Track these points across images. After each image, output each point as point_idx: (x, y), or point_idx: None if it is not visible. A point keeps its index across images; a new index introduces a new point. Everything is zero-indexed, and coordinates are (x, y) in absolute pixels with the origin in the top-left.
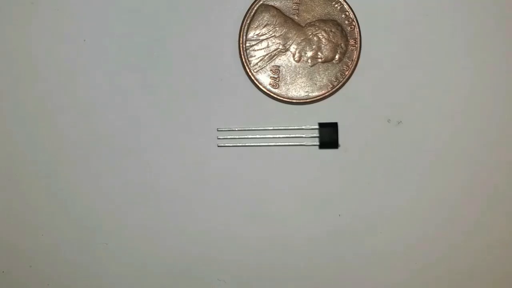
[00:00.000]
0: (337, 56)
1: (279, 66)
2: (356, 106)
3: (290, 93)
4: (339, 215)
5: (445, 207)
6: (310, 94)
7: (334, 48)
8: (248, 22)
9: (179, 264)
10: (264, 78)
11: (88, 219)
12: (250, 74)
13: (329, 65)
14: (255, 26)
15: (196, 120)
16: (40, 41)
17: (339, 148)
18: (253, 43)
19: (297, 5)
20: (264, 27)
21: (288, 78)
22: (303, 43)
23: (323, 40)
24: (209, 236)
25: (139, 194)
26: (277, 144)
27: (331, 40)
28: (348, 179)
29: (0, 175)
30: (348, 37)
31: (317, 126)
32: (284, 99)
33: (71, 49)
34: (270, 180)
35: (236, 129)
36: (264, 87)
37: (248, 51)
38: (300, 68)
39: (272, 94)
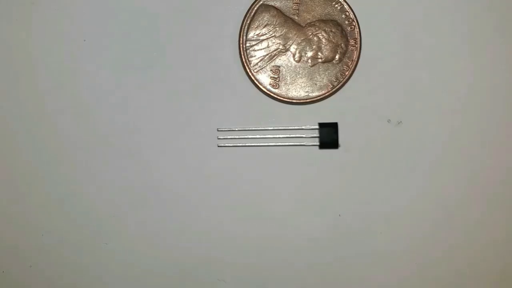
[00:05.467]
0: (337, 56)
1: (279, 66)
2: (356, 106)
3: (290, 93)
4: (339, 215)
5: (445, 207)
6: (310, 94)
7: (334, 48)
8: (248, 22)
9: (179, 264)
10: (264, 78)
11: (88, 219)
12: (250, 74)
13: (329, 65)
14: (255, 26)
15: (196, 120)
16: (40, 41)
17: (339, 148)
18: (253, 43)
19: (297, 5)
20: (264, 27)
21: (288, 78)
22: (303, 43)
23: (323, 40)
24: (209, 236)
25: (139, 194)
26: (277, 144)
27: (331, 40)
28: (348, 179)
29: (0, 175)
30: (348, 37)
31: (317, 126)
32: (284, 99)
33: (71, 49)
34: (270, 180)
35: (236, 129)
36: (264, 87)
37: (248, 51)
38: (300, 68)
39: (272, 94)
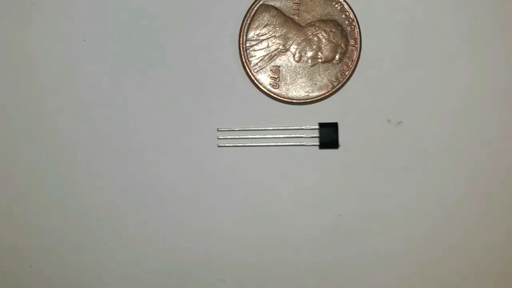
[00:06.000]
0: (337, 56)
1: (279, 66)
2: (356, 106)
3: (290, 93)
4: (339, 215)
5: (445, 207)
6: (310, 94)
7: (334, 48)
8: (248, 22)
9: (179, 264)
10: (264, 78)
11: (88, 219)
12: (250, 74)
13: (329, 65)
14: (255, 26)
15: (196, 120)
16: (40, 41)
17: (339, 148)
18: (253, 43)
19: (297, 5)
20: (264, 27)
21: (288, 78)
22: (303, 43)
23: (323, 40)
24: (209, 236)
25: (139, 194)
26: (277, 144)
27: (331, 40)
28: (348, 179)
29: (0, 175)
30: (348, 37)
31: (317, 126)
32: (284, 99)
33: (71, 49)
34: (270, 180)
35: (236, 129)
36: (264, 87)
37: (248, 51)
38: (300, 68)
39: (272, 94)
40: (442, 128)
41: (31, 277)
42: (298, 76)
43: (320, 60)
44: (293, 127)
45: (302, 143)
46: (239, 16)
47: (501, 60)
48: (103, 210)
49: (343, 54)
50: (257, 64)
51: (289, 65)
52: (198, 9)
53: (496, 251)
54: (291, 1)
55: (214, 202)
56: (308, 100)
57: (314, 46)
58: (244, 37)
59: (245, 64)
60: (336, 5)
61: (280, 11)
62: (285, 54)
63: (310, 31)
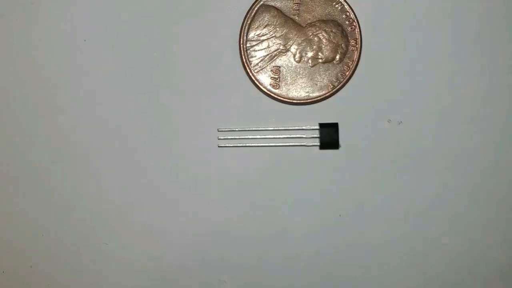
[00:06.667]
0: (337, 57)
1: (279, 67)
2: (357, 106)
3: (291, 93)
4: (339, 215)
5: (445, 207)
6: (310, 95)
7: (335, 49)
8: (248, 22)
9: (179, 264)
10: (265, 79)
11: (88, 219)
12: (250, 74)
13: (330, 65)
14: (256, 27)
15: (196, 120)
16: (40, 41)
17: (340, 148)
18: (254, 43)
19: (297, 6)
20: (264, 27)
21: (289, 78)
22: (304, 44)
23: (324, 40)
24: (209, 236)
25: (139, 194)
26: (278, 144)
27: (332, 41)
28: (348, 179)
29: (0, 175)
30: (349, 38)
31: (317, 127)
32: (285, 100)
33: (71, 49)
34: (270, 180)
35: (237, 129)
36: (265, 87)
37: (248, 51)
38: (301, 69)
39: (272, 95)
40: (442, 128)
41: (31, 277)
42: (298, 77)
43: (320, 61)
44: (293, 128)
45: (302, 144)
46: (239, 17)
47: (501, 59)
48: (103, 210)
49: (343, 54)
50: (257, 64)
51: (290, 65)
52: (198, 9)
53: (497, 251)
54: (292, 1)
55: (214, 202)
56: (308, 101)
57: (314, 46)
58: (245, 38)
59: (246, 65)
60: (337, 5)
61: (281, 11)
62: (285, 55)
63: (310, 31)
